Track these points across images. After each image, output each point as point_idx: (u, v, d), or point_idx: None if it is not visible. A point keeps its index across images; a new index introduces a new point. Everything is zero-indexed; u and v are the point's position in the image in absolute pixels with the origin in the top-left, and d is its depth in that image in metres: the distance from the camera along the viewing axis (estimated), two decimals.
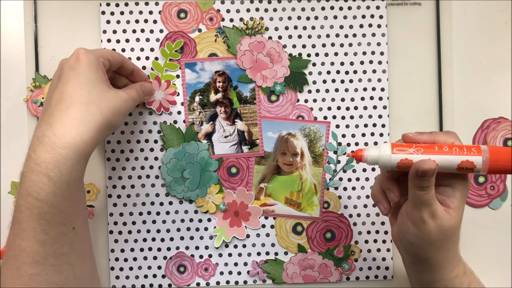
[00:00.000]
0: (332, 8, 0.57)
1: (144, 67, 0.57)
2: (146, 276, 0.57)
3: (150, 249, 0.57)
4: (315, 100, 0.57)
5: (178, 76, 0.57)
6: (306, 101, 0.57)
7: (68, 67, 0.46)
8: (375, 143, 0.57)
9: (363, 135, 0.58)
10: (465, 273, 0.46)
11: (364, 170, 0.58)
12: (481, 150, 0.42)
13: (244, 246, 0.58)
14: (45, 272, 0.42)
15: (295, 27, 0.57)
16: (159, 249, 0.57)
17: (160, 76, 0.56)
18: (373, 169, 0.58)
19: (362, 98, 0.57)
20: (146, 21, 0.57)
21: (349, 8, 0.57)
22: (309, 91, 0.57)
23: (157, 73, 0.56)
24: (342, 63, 0.57)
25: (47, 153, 0.42)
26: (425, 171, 0.41)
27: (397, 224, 0.47)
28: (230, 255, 0.58)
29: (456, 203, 0.43)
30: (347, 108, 0.58)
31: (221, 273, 0.58)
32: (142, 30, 0.57)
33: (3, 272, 0.43)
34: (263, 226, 0.57)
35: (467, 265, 0.47)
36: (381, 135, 0.58)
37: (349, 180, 0.58)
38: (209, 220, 0.57)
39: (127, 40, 0.57)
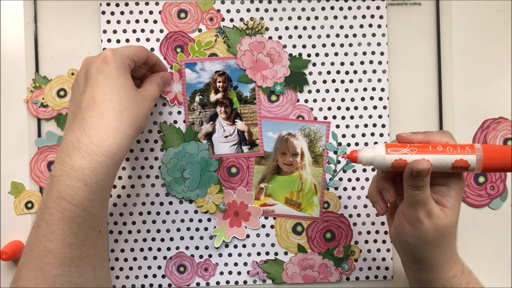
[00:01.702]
0: (332, 8, 0.57)
1: None
2: (146, 276, 0.57)
3: (150, 249, 0.57)
4: (315, 100, 0.57)
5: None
6: (306, 101, 0.57)
7: (95, 70, 0.46)
8: (375, 143, 0.57)
9: (363, 135, 0.58)
10: (463, 272, 0.46)
11: (364, 170, 0.58)
12: (475, 149, 0.42)
13: (244, 246, 0.58)
14: (69, 273, 0.43)
15: (295, 27, 0.57)
16: (159, 249, 0.57)
17: (182, 70, 0.56)
18: (373, 169, 0.58)
19: (362, 98, 0.57)
20: (146, 21, 0.57)
21: (349, 8, 0.57)
22: (309, 91, 0.57)
23: (180, 65, 0.56)
24: (342, 63, 0.57)
25: (84, 159, 0.42)
26: (419, 171, 0.41)
27: (394, 224, 0.47)
28: (230, 255, 0.58)
29: (452, 202, 0.43)
30: (347, 108, 0.58)
31: (221, 273, 0.58)
32: (142, 30, 0.57)
33: (24, 272, 0.43)
34: (263, 226, 0.57)
35: (465, 264, 0.47)
36: (381, 135, 0.58)
37: (349, 180, 0.58)
38: (209, 220, 0.57)
39: (127, 40, 0.57)
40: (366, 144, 0.58)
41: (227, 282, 0.58)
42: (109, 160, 0.44)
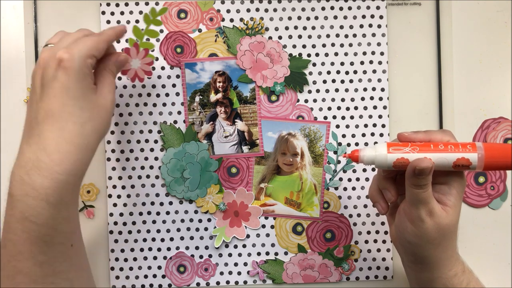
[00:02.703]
0: (332, 8, 0.57)
1: None
2: (146, 276, 0.57)
3: (150, 249, 0.57)
4: (315, 100, 0.57)
5: (178, 76, 0.57)
6: (306, 101, 0.57)
7: (52, 77, 0.41)
8: (375, 143, 0.57)
9: (363, 135, 0.58)
10: (464, 271, 0.46)
11: (364, 170, 0.58)
12: (477, 147, 0.42)
13: (244, 246, 0.58)
14: None
15: (295, 27, 0.57)
16: (159, 249, 0.57)
17: (139, 43, 0.52)
18: (373, 169, 0.58)
19: (362, 98, 0.57)
20: None
21: (349, 8, 0.57)
22: (309, 91, 0.57)
23: (137, 39, 0.51)
24: (342, 63, 0.57)
25: (45, 179, 0.39)
26: (422, 169, 0.41)
27: (395, 224, 0.47)
28: (230, 255, 0.58)
29: (453, 201, 0.43)
30: (347, 108, 0.58)
31: (221, 273, 0.58)
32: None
33: None
34: (263, 226, 0.57)
35: (465, 264, 0.47)
36: (381, 135, 0.58)
37: (349, 180, 0.58)
38: (209, 220, 0.57)
39: (127, 41, 0.57)
40: (366, 144, 0.57)
41: (227, 282, 0.58)
42: (72, 177, 0.41)
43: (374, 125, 0.58)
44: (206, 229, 0.57)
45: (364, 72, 0.57)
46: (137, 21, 0.57)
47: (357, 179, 0.58)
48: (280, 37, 0.57)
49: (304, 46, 0.57)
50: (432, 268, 0.45)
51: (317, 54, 0.57)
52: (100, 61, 0.46)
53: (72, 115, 0.41)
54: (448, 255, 0.45)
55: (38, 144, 0.40)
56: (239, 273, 0.58)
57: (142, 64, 0.52)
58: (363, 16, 0.57)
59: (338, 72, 0.57)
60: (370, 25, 0.57)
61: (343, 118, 0.57)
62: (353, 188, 0.58)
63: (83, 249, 0.47)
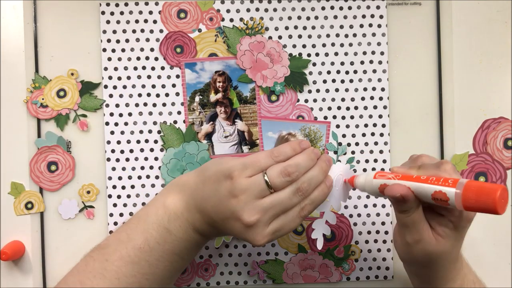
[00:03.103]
0: (332, 8, 0.57)
1: (144, 67, 0.57)
2: None
3: None
4: (315, 100, 0.57)
5: (178, 76, 0.57)
6: (306, 101, 0.57)
7: (241, 229, 0.42)
8: (375, 143, 0.57)
9: (363, 135, 0.58)
10: (463, 284, 0.45)
11: (364, 170, 0.58)
12: (457, 184, 0.38)
13: (244, 246, 0.57)
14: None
15: (295, 27, 0.57)
16: None
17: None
18: (373, 169, 0.58)
19: (362, 98, 0.57)
20: (146, 21, 0.57)
21: (349, 8, 0.57)
22: (309, 91, 0.57)
23: None
24: (342, 63, 0.57)
25: (204, 237, 0.47)
26: (392, 196, 0.40)
27: (393, 236, 0.46)
28: (230, 255, 0.58)
29: (447, 232, 0.41)
30: (347, 108, 0.57)
31: (221, 273, 0.58)
32: (142, 30, 0.57)
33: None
34: None
35: (470, 276, 0.46)
36: (381, 135, 0.58)
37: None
38: None
39: (127, 40, 0.57)
40: (366, 144, 0.57)
41: (227, 282, 0.58)
42: None
43: (374, 125, 0.58)
44: None
45: (364, 72, 0.57)
46: (136, 21, 0.57)
47: None
48: (280, 37, 0.57)
49: (304, 46, 0.57)
50: (427, 281, 0.45)
51: (317, 54, 0.57)
52: None
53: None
54: (441, 275, 0.44)
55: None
56: (239, 273, 0.58)
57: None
58: (363, 16, 0.57)
59: (338, 72, 0.57)
60: (370, 25, 0.57)
61: (343, 118, 0.57)
62: (353, 188, 0.58)
63: None
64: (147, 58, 0.57)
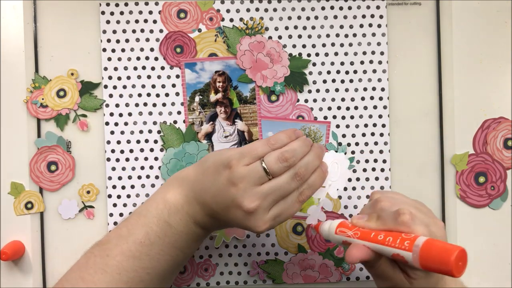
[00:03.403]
0: (332, 8, 0.57)
1: (144, 67, 0.57)
2: None
3: None
4: (315, 100, 0.57)
5: (178, 76, 0.57)
6: (306, 101, 0.57)
7: (242, 217, 0.43)
8: (375, 143, 0.57)
9: (363, 135, 0.58)
10: None
11: (365, 170, 0.58)
12: (414, 245, 0.37)
13: (244, 246, 0.57)
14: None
15: (295, 27, 0.57)
16: None
17: None
18: (373, 169, 0.58)
19: (362, 98, 0.57)
20: (146, 21, 0.57)
21: (349, 8, 0.57)
22: (309, 91, 0.57)
23: None
24: (342, 63, 0.57)
25: (205, 231, 0.47)
26: (349, 262, 0.40)
27: None
28: (230, 255, 0.58)
29: (420, 274, 0.40)
30: (347, 108, 0.57)
31: (221, 273, 0.58)
32: (142, 30, 0.57)
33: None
34: None
35: None
36: (381, 135, 0.58)
37: (349, 180, 0.58)
38: None
39: (127, 40, 0.57)
40: (366, 144, 0.57)
41: (227, 282, 0.58)
42: None
43: (374, 125, 0.58)
44: None
45: (364, 72, 0.57)
46: (136, 21, 0.56)
47: (357, 179, 0.58)
48: (280, 37, 0.57)
49: (304, 46, 0.57)
50: None
51: (317, 54, 0.57)
52: None
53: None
54: None
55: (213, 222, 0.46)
56: (239, 273, 0.58)
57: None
58: (363, 16, 0.57)
59: (338, 72, 0.57)
60: (370, 25, 0.57)
61: (343, 118, 0.57)
62: (353, 188, 0.58)
63: None
64: (147, 58, 0.57)
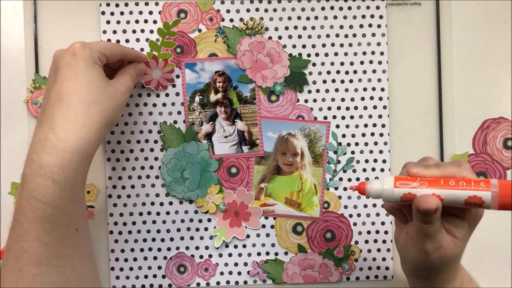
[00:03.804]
0: (332, 8, 0.57)
1: None
2: (146, 277, 0.57)
3: (150, 249, 0.57)
4: (315, 100, 0.57)
5: (178, 76, 0.57)
6: (306, 101, 0.57)
7: (64, 64, 0.44)
8: (375, 143, 0.57)
9: (363, 135, 0.58)
10: (462, 284, 0.45)
11: (364, 170, 0.58)
12: (491, 185, 0.39)
13: (244, 246, 0.58)
14: (47, 273, 0.42)
15: (295, 27, 0.57)
16: (159, 249, 0.57)
17: (157, 55, 0.55)
18: (373, 169, 0.58)
19: (362, 98, 0.57)
20: (146, 21, 0.57)
21: (349, 8, 0.57)
22: (309, 91, 0.57)
23: (154, 52, 0.55)
24: (342, 63, 0.57)
25: (51, 157, 0.42)
26: (425, 211, 0.39)
27: (401, 239, 0.46)
28: (230, 255, 0.58)
29: (463, 234, 0.42)
30: (347, 108, 0.58)
31: (221, 273, 0.58)
32: (142, 30, 0.57)
33: (3, 273, 0.42)
34: (263, 226, 0.57)
35: (466, 275, 0.46)
36: (381, 135, 0.58)
37: (349, 180, 0.58)
38: (209, 220, 0.57)
39: (127, 40, 0.57)
40: (366, 144, 0.57)
41: (228, 282, 0.58)
42: (76, 156, 0.42)
43: (374, 125, 0.58)
44: (206, 229, 0.57)
45: (364, 72, 0.57)
46: (136, 21, 0.56)
47: (357, 179, 0.58)
48: (280, 37, 0.57)
49: (304, 46, 0.57)
50: (428, 283, 0.45)
51: (317, 54, 0.57)
52: (122, 66, 0.51)
53: (79, 95, 0.43)
54: (447, 275, 0.44)
55: (48, 125, 0.43)
56: (239, 273, 0.58)
57: (163, 73, 0.56)
58: (363, 16, 0.57)
59: (338, 72, 0.57)
60: (370, 25, 0.57)
61: (343, 118, 0.57)
62: (345, 189, 0.57)
63: (88, 237, 0.49)
64: None
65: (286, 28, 0.57)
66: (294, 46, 0.57)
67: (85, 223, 0.48)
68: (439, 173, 0.41)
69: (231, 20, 0.57)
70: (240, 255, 0.58)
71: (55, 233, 0.42)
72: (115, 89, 0.47)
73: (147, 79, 0.55)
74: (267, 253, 0.58)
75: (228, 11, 0.57)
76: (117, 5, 0.57)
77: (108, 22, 0.57)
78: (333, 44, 0.57)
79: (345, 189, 0.58)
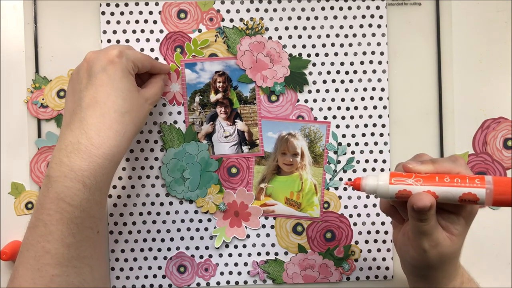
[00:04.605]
0: (332, 8, 0.57)
1: None
2: (146, 277, 0.57)
3: (150, 249, 0.57)
4: (315, 100, 0.57)
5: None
6: (306, 101, 0.57)
7: (100, 69, 0.45)
8: (375, 143, 0.57)
9: (363, 135, 0.58)
10: (463, 283, 0.45)
11: (364, 170, 0.58)
12: (485, 181, 0.39)
13: (244, 246, 0.58)
14: (66, 274, 0.43)
15: (295, 27, 0.57)
16: (159, 250, 0.57)
17: (180, 69, 0.56)
18: (373, 169, 0.58)
19: (362, 98, 0.57)
20: (146, 21, 0.57)
21: (349, 8, 0.57)
22: (309, 91, 0.57)
23: (178, 66, 0.56)
24: (342, 63, 0.57)
25: (84, 161, 0.42)
26: (420, 208, 0.39)
27: (398, 240, 0.46)
28: (230, 255, 0.58)
29: (460, 230, 0.42)
30: (347, 108, 0.58)
31: (221, 273, 0.58)
32: (142, 31, 0.57)
33: (21, 271, 0.43)
34: (263, 226, 0.57)
35: (466, 274, 0.47)
36: (381, 135, 0.58)
37: (349, 180, 0.58)
38: (209, 220, 0.57)
39: (127, 41, 0.57)
40: (366, 144, 0.57)
41: (228, 282, 0.58)
42: (108, 162, 0.44)
43: (374, 125, 0.58)
44: (206, 229, 0.57)
45: (364, 72, 0.57)
46: (136, 21, 0.57)
47: None
48: (280, 37, 0.57)
49: (304, 46, 0.57)
50: (428, 283, 0.45)
51: (317, 54, 0.57)
52: (151, 75, 0.53)
53: (114, 103, 0.45)
54: (447, 273, 0.44)
55: (80, 129, 0.44)
56: (239, 273, 0.58)
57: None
58: (363, 16, 0.57)
59: (338, 72, 0.57)
60: (370, 25, 0.57)
61: (343, 118, 0.57)
62: (353, 188, 0.58)
63: (106, 239, 0.51)
64: None
65: (286, 28, 0.57)
66: (294, 46, 0.57)
67: (105, 226, 0.49)
68: (435, 169, 0.41)
69: (231, 20, 0.57)
70: (240, 255, 0.58)
71: (79, 235, 0.43)
72: (145, 99, 0.49)
73: (165, 90, 0.56)
74: (267, 253, 0.58)
75: (228, 11, 0.57)
76: (117, 5, 0.57)
77: (108, 22, 0.57)
78: (333, 44, 0.57)
79: (345, 189, 0.58)
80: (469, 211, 0.42)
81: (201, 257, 0.57)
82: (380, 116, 0.58)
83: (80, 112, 0.44)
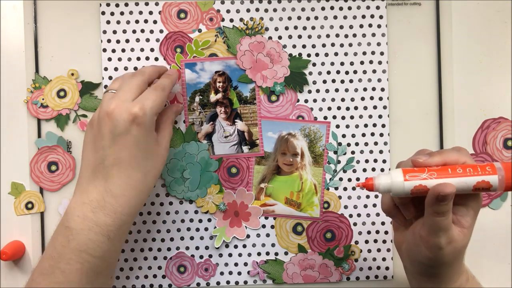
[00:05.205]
0: (332, 8, 0.57)
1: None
2: (146, 277, 0.57)
3: (150, 249, 0.57)
4: (315, 100, 0.57)
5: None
6: (306, 101, 0.57)
7: (125, 130, 0.45)
8: (375, 143, 0.57)
9: (363, 135, 0.58)
10: (468, 280, 0.45)
11: (364, 170, 0.58)
12: (496, 169, 0.41)
13: (244, 246, 0.58)
14: None
15: (295, 27, 0.57)
16: (159, 249, 0.57)
17: (181, 70, 0.56)
18: (373, 169, 0.58)
19: (362, 98, 0.57)
20: (146, 21, 0.57)
21: (349, 8, 0.57)
22: (309, 91, 0.57)
23: (179, 66, 0.56)
24: (342, 63, 0.57)
25: (109, 218, 0.45)
26: (446, 195, 0.39)
27: (406, 241, 0.45)
28: (230, 255, 0.58)
29: (470, 222, 0.42)
30: (347, 108, 0.58)
31: (221, 273, 0.58)
32: (142, 31, 0.57)
33: None
34: (263, 226, 0.57)
35: (469, 272, 0.47)
36: (381, 135, 0.58)
37: (349, 180, 0.58)
38: (209, 220, 0.57)
39: (127, 41, 0.57)
40: (366, 144, 0.57)
41: (228, 282, 0.58)
42: (131, 218, 0.47)
43: (374, 125, 0.58)
44: (206, 229, 0.57)
45: (364, 72, 0.57)
46: (136, 21, 0.57)
47: (357, 179, 0.58)
48: (280, 37, 0.57)
49: (304, 46, 0.57)
50: (439, 282, 0.45)
51: (317, 54, 0.57)
52: (162, 111, 0.52)
53: (139, 165, 0.46)
54: (456, 270, 0.44)
55: (105, 187, 0.45)
56: (239, 273, 0.58)
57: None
58: (363, 16, 0.57)
59: (338, 72, 0.57)
60: (370, 25, 0.57)
61: (343, 118, 0.58)
62: (353, 188, 0.58)
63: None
64: (147, 58, 0.57)
65: (286, 28, 0.57)
66: (294, 46, 0.57)
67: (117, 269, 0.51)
68: (442, 160, 0.42)
69: (231, 20, 0.57)
70: (240, 255, 0.58)
71: (96, 282, 0.45)
72: (163, 148, 0.50)
73: None
74: (267, 253, 0.58)
75: (228, 11, 0.57)
76: (117, 5, 0.57)
77: (108, 22, 0.57)
78: (333, 44, 0.57)
79: (345, 189, 0.58)
80: (478, 201, 0.43)
81: (201, 257, 0.57)
82: (380, 116, 0.58)
83: (103, 170, 0.45)
